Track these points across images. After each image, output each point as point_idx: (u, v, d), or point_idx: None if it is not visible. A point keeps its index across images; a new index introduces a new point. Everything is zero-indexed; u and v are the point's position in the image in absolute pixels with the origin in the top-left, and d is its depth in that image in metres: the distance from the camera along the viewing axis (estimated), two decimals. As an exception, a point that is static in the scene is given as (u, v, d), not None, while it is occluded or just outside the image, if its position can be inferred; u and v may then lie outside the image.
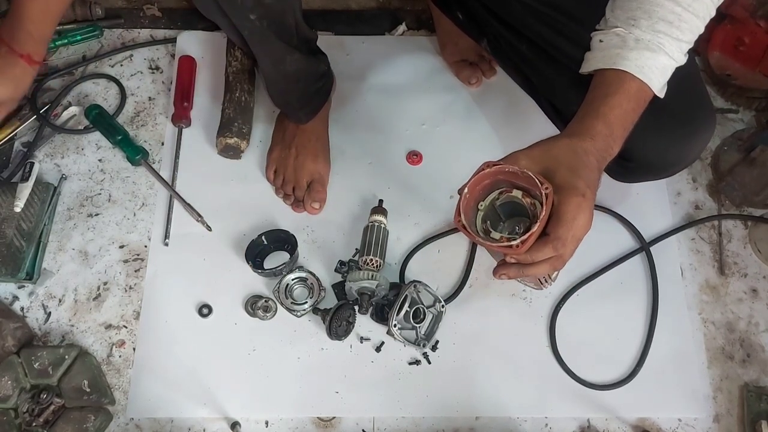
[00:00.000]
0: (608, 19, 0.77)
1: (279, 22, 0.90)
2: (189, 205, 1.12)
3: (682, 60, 0.75)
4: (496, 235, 0.73)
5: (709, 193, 1.15)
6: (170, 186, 1.14)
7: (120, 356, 1.03)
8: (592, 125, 0.73)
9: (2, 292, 1.07)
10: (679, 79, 0.79)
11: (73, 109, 1.22)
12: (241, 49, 1.20)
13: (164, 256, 1.09)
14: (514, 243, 0.69)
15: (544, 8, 0.89)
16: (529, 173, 0.69)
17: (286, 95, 1.08)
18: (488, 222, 0.74)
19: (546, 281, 0.94)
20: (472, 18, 1.12)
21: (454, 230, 1.10)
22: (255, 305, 1.03)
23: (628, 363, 1.01)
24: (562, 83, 0.81)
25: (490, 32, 1.09)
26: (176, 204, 1.13)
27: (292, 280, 1.03)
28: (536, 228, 0.69)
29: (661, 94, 0.76)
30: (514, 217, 0.76)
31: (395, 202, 1.10)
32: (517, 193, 0.73)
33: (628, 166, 0.96)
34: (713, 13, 0.75)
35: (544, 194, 0.68)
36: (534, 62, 0.98)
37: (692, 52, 0.79)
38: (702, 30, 0.75)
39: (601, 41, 0.77)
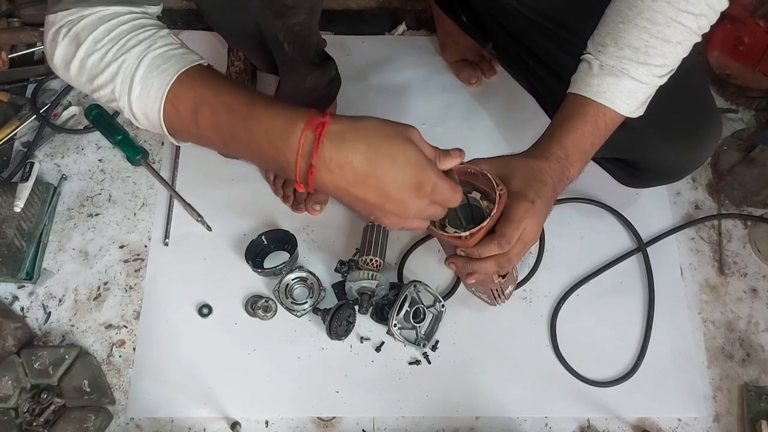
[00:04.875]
0: (587, 45, 0.79)
1: (305, 45, 0.94)
2: (189, 205, 1.12)
3: (655, 82, 0.76)
4: (450, 229, 0.76)
5: (709, 193, 1.15)
6: (170, 186, 1.14)
7: (120, 356, 1.03)
8: (547, 147, 0.77)
9: (2, 292, 1.07)
10: (684, 87, 0.80)
11: (73, 109, 1.23)
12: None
13: (164, 256, 1.09)
14: (463, 234, 0.73)
15: (548, 24, 0.90)
16: (489, 175, 0.73)
17: (295, 103, 1.09)
18: (446, 220, 0.77)
19: (499, 296, 0.96)
20: (477, 22, 1.12)
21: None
22: (255, 305, 1.03)
23: (629, 362, 1.02)
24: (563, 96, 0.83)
25: (495, 37, 1.09)
26: (176, 204, 1.13)
27: (292, 280, 1.03)
28: (486, 223, 0.72)
29: (636, 115, 0.77)
30: (473, 224, 0.78)
31: (395, 202, 1.10)
32: (476, 195, 0.76)
33: (638, 174, 0.97)
34: (698, 38, 0.75)
35: (498, 194, 0.72)
36: (538, 73, 0.98)
37: (696, 57, 0.79)
38: (681, 52, 0.75)
39: (578, 66, 0.79)
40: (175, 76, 0.63)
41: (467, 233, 0.72)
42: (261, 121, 0.61)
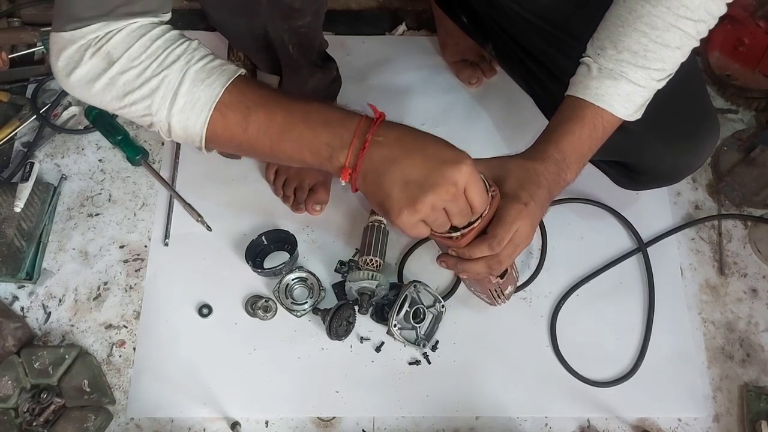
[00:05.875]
0: (587, 48, 0.79)
1: (309, 46, 0.95)
2: (189, 205, 1.12)
3: (654, 85, 0.76)
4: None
5: (709, 193, 1.15)
6: (170, 186, 1.14)
7: (120, 356, 1.03)
8: (544, 149, 0.77)
9: (2, 292, 1.07)
10: (682, 91, 0.80)
11: (74, 109, 1.23)
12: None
13: (164, 256, 1.09)
14: (454, 235, 0.73)
15: (547, 26, 0.90)
16: (481, 176, 0.73)
17: None
18: None
19: (498, 296, 0.96)
20: (476, 22, 1.12)
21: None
22: (255, 305, 1.03)
23: (629, 362, 1.02)
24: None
25: (495, 38, 1.10)
26: (176, 204, 1.13)
27: (292, 280, 1.03)
28: (477, 224, 0.72)
29: (634, 118, 0.78)
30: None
31: (395, 202, 1.10)
32: None
33: (636, 177, 0.97)
34: (697, 43, 0.75)
35: (490, 195, 0.72)
36: (536, 75, 0.99)
37: (694, 60, 0.79)
38: (680, 57, 0.76)
39: (577, 69, 0.80)
40: (224, 89, 0.66)
41: (458, 234, 0.72)
42: (321, 114, 0.67)
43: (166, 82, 0.66)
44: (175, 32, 0.70)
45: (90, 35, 0.65)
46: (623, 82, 0.75)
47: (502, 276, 0.89)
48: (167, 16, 0.71)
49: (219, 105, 0.66)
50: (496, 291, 0.94)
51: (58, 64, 0.67)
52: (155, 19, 0.69)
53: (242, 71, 0.70)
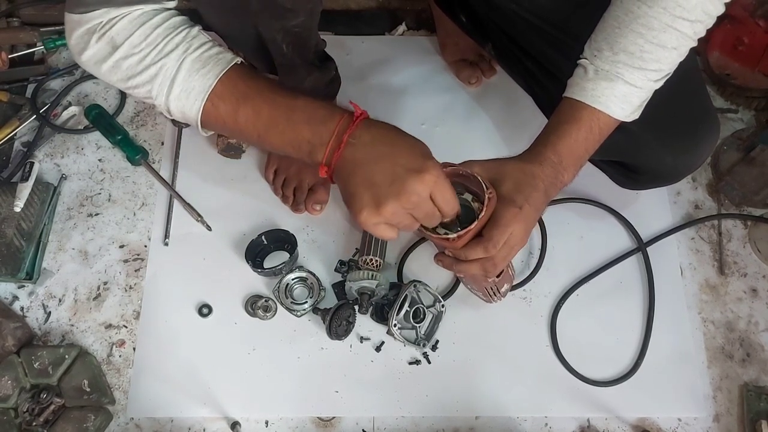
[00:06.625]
0: (584, 50, 0.79)
1: (305, 46, 0.95)
2: (189, 205, 1.12)
3: (650, 86, 0.76)
4: (440, 230, 0.76)
5: (709, 193, 1.15)
6: (170, 186, 1.14)
7: (120, 356, 1.03)
8: (541, 152, 0.77)
9: (2, 292, 1.07)
10: (681, 90, 0.80)
11: (73, 109, 1.23)
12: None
13: (164, 256, 1.09)
14: (450, 236, 0.73)
15: (545, 26, 0.90)
16: (478, 177, 0.73)
17: None
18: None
19: (494, 294, 0.96)
20: (475, 22, 1.12)
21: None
22: (255, 305, 1.03)
23: (629, 362, 1.01)
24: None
25: (494, 38, 1.10)
26: (176, 204, 1.13)
27: (292, 279, 1.03)
28: (473, 226, 0.73)
29: (631, 119, 0.78)
30: (466, 224, 0.79)
31: (395, 202, 1.10)
32: (468, 197, 0.77)
33: (635, 177, 0.97)
34: (694, 43, 0.75)
35: (487, 197, 0.72)
36: (535, 75, 0.99)
37: (694, 60, 0.79)
38: (677, 57, 0.76)
39: (574, 71, 0.80)
40: (216, 80, 0.70)
41: (454, 235, 0.73)
42: (305, 111, 0.70)
43: (164, 70, 0.69)
44: (176, 19, 0.72)
45: (94, 20, 0.69)
46: (619, 83, 0.75)
47: (498, 275, 0.89)
48: (172, 4, 0.73)
49: (211, 96, 0.70)
50: (492, 289, 0.94)
51: (71, 42, 0.72)
52: (158, 6, 0.71)
53: (238, 60, 0.72)
